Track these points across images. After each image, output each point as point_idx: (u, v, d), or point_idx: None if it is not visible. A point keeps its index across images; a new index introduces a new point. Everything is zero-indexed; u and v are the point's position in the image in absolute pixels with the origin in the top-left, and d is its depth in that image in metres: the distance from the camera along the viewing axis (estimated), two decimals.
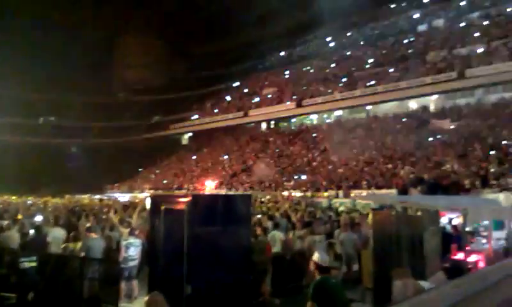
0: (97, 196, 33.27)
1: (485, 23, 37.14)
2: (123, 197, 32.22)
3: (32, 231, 8.79)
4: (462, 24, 39.26)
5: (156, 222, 6.27)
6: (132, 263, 7.83)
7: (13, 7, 44.55)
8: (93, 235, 7.97)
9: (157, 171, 47.98)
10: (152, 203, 6.74)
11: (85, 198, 32.32)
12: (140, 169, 49.92)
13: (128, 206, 16.62)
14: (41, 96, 50.74)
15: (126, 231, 8.68)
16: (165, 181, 42.12)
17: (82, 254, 7.45)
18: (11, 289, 6.54)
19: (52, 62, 46.55)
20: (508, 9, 36.94)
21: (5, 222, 9.67)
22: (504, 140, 22.61)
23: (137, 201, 22.32)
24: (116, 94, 62.63)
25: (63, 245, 7.89)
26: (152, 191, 35.35)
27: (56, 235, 8.51)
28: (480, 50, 32.76)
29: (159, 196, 16.77)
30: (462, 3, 42.52)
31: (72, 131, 53.88)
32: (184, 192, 34.06)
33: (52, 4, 47.19)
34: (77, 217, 12.38)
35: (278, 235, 8.86)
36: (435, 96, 33.75)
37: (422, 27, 43.57)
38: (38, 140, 49.70)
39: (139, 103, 60.07)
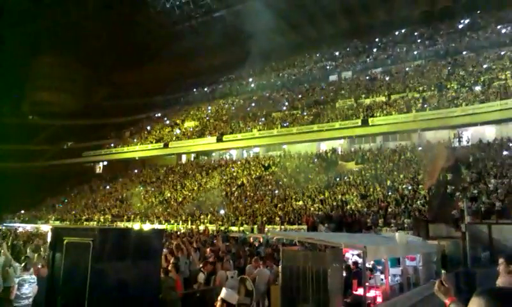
0: None
1: (387, 78, 41.74)
2: (24, 228, 29.09)
3: None
4: (367, 77, 43.64)
5: (57, 256, 5.84)
6: (25, 302, 7.11)
7: None
8: None
9: (66, 201, 44.35)
10: (53, 236, 6.27)
11: None
12: (46, 198, 45.68)
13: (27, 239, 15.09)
14: None
15: (20, 266, 7.89)
16: (74, 212, 39.03)
17: None
18: None
19: None
20: (407, 68, 42.06)
21: None
22: (400, 183, 25.08)
23: (40, 232, 20.36)
24: (26, 115, 57.55)
25: None
26: (57, 222, 32.46)
27: None
28: (382, 101, 36.51)
29: (61, 228, 15.52)
30: (368, 59, 47.46)
31: None
32: (92, 224, 31.88)
33: None
34: None
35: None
36: (342, 140, 36.53)
37: (332, 77, 47.53)
38: None
39: (51, 127, 55.76)
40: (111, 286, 5.29)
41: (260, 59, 46.89)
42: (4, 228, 28.75)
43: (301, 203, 26.49)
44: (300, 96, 45.40)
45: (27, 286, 7.19)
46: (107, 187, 45.73)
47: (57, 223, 34.39)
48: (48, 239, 6.31)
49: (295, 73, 51.64)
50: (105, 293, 5.20)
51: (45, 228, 23.99)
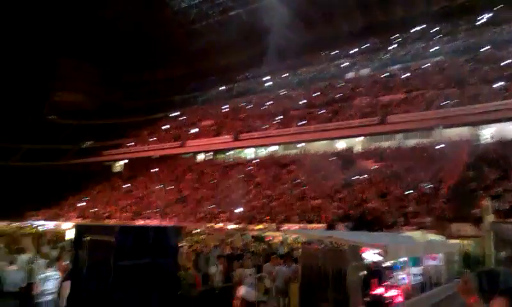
0: (16, 224, 30.45)
1: (405, 75, 41.07)
2: (47, 226, 29.81)
3: None
4: (385, 74, 43.01)
5: (80, 253, 5.96)
6: (49, 298, 7.28)
7: None
8: (11, 267, 7.33)
9: (86, 199, 45.20)
10: (77, 233, 6.42)
11: (3, 225, 29.37)
12: (67, 196, 46.70)
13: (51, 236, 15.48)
14: None
15: (44, 262, 8.11)
16: (94, 210, 39.76)
17: None
18: None
19: None
20: (426, 65, 41.29)
21: None
22: (421, 181, 24.65)
23: (62, 230, 20.86)
24: (46, 115, 58.95)
25: None
26: (79, 220, 33.15)
27: None
28: (400, 98, 35.95)
29: (84, 225, 15.84)
30: (386, 56, 46.78)
31: None
32: (113, 222, 32.45)
33: None
34: None
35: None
36: (361, 138, 36.11)
37: (350, 75, 47.01)
38: None
39: (71, 127, 57.01)
40: (132, 283, 5.37)
41: (277, 57, 46.73)
42: (28, 225, 29.59)
43: (319, 201, 26.34)
44: (317, 94, 45.09)
45: (51, 282, 7.37)
46: (127, 186, 46.38)
47: (79, 221, 35.09)
48: (71, 236, 6.45)
49: (312, 71, 51.31)
50: (127, 290, 5.28)
51: (67, 226, 24.55)
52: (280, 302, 8.69)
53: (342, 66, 49.78)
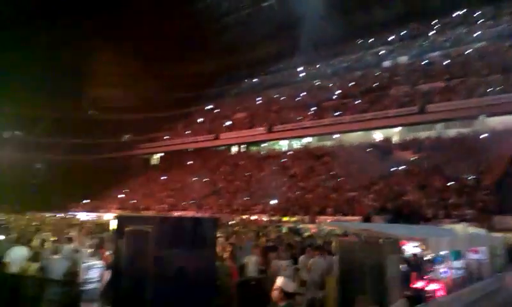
0: (61, 214, 31.97)
1: (445, 62, 39.39)
2: (88, 217, 31.10)
3: None
4: (424, 62, 41.43)
5: (120, 243, 6.14)
6: (93, 286, 7.56)
7: None
8: (56, 256, 7.69)
9: (125, 191, 46.78)
10: (117, 224, 6.61)
11: (48, 216, 30.94)
12: (107, 188, 48.54)
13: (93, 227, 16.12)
14: (10, 110, 49.10)
15: (88, 251, 8.44)
16: (132, 202, 41.10)
17: (42, 274, 7.16)
18: None
19: (22, 76, 45.30)
20: (467, 51, 39.41)
21: None
22: (462, 173, 23.68)
23: (103, 221, 21.70)
24: (86, 111, 61.31)
25: (23, 265, 7.55)
26: (118, 211, 34.37)
27: (17, 254, 8.13)
28: (440, 86, 34.57)
29: (124, 216, 16.36)
30: (425, 42, 45.02)
31: (39, 147, 52.09)
32: (151, 213, 33.39)
33: (27, 21, 46.25)
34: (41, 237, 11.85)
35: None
36: (398, 128, 35.09)
37: (387, 63, 45.64)
38: (3, 154, 47.63)
39: (110, 122, 59.03)
40: (171, 273, 5.46)
41: (310, 48, 46.13)
42: (72, 216, 30.98)
43: (354, 193, 25.91)
44: (352, 84, 44.16)
45: (94, 271, 7.65)
46: (163, 178, 47.52)
47: (119, 212, 36.36)
48: (112, 227, 6.65)
49: (347, 61, 50.25)
50: (165, 280, 5.38)
51: (108, 217, 25.48)
52: (317, 294, 8.62)
53: (378, 54, 48.41)
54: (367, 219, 20.78)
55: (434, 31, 46.25)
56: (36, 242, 9.68)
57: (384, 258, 6.87)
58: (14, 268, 7.70)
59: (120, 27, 51.17)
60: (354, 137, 36.86)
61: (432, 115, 31.82)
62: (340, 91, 43.44)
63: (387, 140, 34.51)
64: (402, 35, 49.11)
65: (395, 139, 34.79)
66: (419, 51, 44.19)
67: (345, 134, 37.72)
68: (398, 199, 22.79)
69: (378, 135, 36.24)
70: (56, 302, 6.53)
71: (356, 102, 38.81)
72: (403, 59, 44.68)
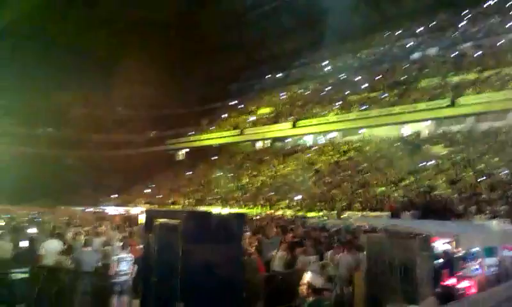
0: (91, 209, 32.90)
1: (477, 53, 37.97)
2: (117, 211, 31.86)
3: (25, 243, 8.70)
4: (455, 53, 40.08)
5: (150, 237, 6.26)
6: (123, 278, 7.76)
7: (19, 22, 44.90)
8: (88, 248, 7.92)
9: (152, 186, 47.72)
10: (147, 218, 6.75)
11: (79, 210, 31.92)
12: (135, 184, 49.65)
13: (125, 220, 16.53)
14: (41, 106, 50.87)
15: (118, 245, 8.65)
16: (160, 196, 41.88)
17: (75, 267, 7.40)
18: (0, 300, 6.45)
19: (53, 74, 46.79)
20: (499, 42, 37.85)
21: None
22: (495, 167, 22.87)
23: (133, 214, 22.22)
24: (114, 108, 62.79)
25: (56, 258, 7.82)
26: (145, 206, 35.08)
27: (51, 246, 8.43)
28: (472, 78, 33.40)
29: (153, 210, 16.71)
30: (455, 34, 43.51)
31: (70, 143, 53.87)
32: (178, 207, 33.93)
33: (57, 21, 47.69)
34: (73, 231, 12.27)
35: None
36: (427, 122, 34.19)
37: (415, 55, 44.42)
38: (35, 150, 49.49)
39: (137, 118, 60.30)
40: (199, 266, 5.53)
41: (336, 41, 45.42)
42: (102, 210, 31.82)
43: (383, 189, 25.47)
44: (379, 77, 43.27)
45: (125, 263, 7.84)
46: (189, 173, 48.14)
47: (146, 206, 37.10)
48: (142, 221, 6.78)
49: (373, 53, 49.20)
50: (194, 273, 5.45)
51: (137, 211, 26.07)
52: (345, 290, 8.53)
53: (406, 46, 47.10)
54: (395, 215, 20.39)
55: (465, 21, 44.58)
56: (69, 235, 10.00)
57: (414, 254, 6.74)
58: (48, 260, 7.99)
59: (148, 24, 51.98)
60: (382, 131, 36.16)
61: (463, 108, 30.81)
62: (366, 85, 42.65)
63: (416, 134, 33.69)
64: (432, 26, 47.58)
65: (424, 133, 33.93)
66: (449, 42, 42.71)
67: (372, 129, 37.06)
68: (427, 195, 22.25)
69: (407, 130, 35.43)
70: (88, 294, 6.74)
71: (384, 96, 38.01)
72: (433, 50, 43.32)
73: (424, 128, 34.45)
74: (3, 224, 13.47)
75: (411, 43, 46.98)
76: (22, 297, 6.40)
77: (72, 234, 10.21)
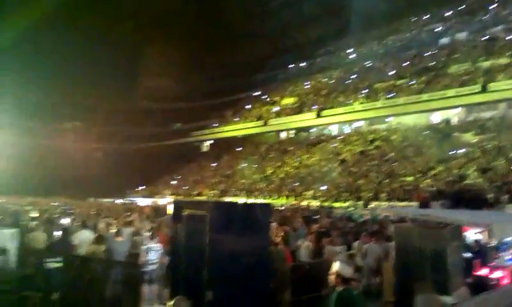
0: (119, 200, 33.76)
1: (509, 37, 36.34)
2: (145, 202, 32.59)
3: (59, 233, 9.01)
4: (485, 37, 38.51)
5: (178, 227, 6.35)
6: (152, 267, 7.93)
7: (42, 15, 46.06)
8: (119, 238, 8.14)
9: (178, 177, 48.45)
10: (175, 208, 6.86)
11: (108, 201, 32.85)
12: (161, 175, 50.57)
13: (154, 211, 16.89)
14: (68, 100, 52.31)
15: (147, 235, 8.85)
16: (185, 188, 42.50)
17: (106, 256, 7.62)
18: (36, 289, 6.71)
19: (79, 68, 47.95)
20: None
21: (34, 223, 9.94)
22: None
23: (160, 205, 22.66)
24: (139, 101, 63.88)
25: (89, 247, 8.08)
26: (172, 197, 35.67)
27: (83, 237, 8.71)
28: (504, 63, 32.06)
29: (181, 201, 16.94)
30: (485, 17, 41.74)
31: (96, 136, 55.28)
32: (204, 198, 34.34)
33: (82, 16, 48.72)
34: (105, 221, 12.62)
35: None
36: (457, 109, 33.14)
37: (444, 40, 42.94)
38: (62, 143, 51.04)
39: (162, 111, 61.17)
40: (227, 256, 5.58)
41: (361, 27, 44.41)
42: (130, 201, 32.54)
43: (411, 178, 24.94)
44: (407, 63, 42.14)
45: (154, 253, 8.01)
46: (214, 164, 48.56)
47: (173, 198, 37.72)
48: (170, 211, 6.89)
49: (400, 39, 47.84)
50: (222, 262, 5.51)
51: (164, 202, 26.58)
52: (373, 280, 8.45)
53: (434, 31, 45.57)
54: (424, 205, 19.93)
55: (496, 4, 42.65)
56: (100, 226, 10.29)
57: (445, 244, 6.57)
58: (81, 250, 8.26)
59: (172, 15, 52.39)
60: (410, 119, 35.29)
61: (495, 94, 29.64)
62: (393, 72, 41.63)
63: (446, 121, 32.74)
64: (460, 10, 45.80)
65: (454, 120, 32.91)
66: (480, 26, 41.01)
67: (399, 117, 36.23)
68: (458, 184, 21.63)
69: (436, 117, 34.45)
70: (119, 282, 6.93)
71: (411, 83, 37.02)
72: (462, 35, 41.75)
73: (454, 115, 33.43)
74: (37, 215, 13.97)
75: (440, 28, 45.42)
76: (57, 286, 6.62)
77: (103, 225, 10.51)
